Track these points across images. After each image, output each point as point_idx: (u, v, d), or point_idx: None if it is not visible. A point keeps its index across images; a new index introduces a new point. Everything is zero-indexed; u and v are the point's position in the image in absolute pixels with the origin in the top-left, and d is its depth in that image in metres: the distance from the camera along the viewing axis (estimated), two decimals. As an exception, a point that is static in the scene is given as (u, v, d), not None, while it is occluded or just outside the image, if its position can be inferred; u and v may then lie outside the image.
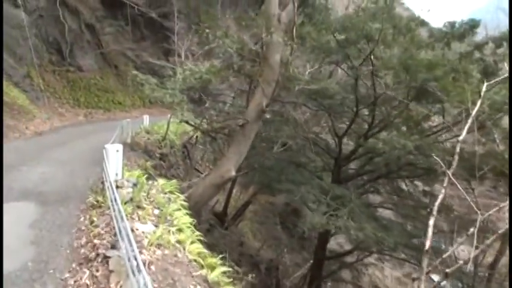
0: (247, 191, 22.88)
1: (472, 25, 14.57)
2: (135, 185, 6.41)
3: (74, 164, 9.70)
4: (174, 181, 7.62)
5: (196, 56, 20.09)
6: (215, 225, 18.11)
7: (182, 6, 27.70)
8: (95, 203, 6.06)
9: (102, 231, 4.99)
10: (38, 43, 23.36)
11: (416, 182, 18.25)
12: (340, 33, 12.28)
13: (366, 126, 16.76)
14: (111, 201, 5.48)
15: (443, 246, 17.07)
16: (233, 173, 10.16)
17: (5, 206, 6.15)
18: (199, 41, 28.79)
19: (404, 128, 15.44)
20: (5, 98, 15.53)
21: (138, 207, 5.68)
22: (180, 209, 6.30)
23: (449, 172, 8.38)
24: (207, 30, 11.15)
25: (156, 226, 5.12)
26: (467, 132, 14.71)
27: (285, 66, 10.45)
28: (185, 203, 7.03)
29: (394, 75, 13.55)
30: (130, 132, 13.00)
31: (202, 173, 21.17)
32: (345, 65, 14.54)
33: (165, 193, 6.89)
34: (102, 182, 7.14)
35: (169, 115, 21.50)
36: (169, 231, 5.09)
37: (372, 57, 12.63)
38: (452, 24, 14.63)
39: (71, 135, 15.50)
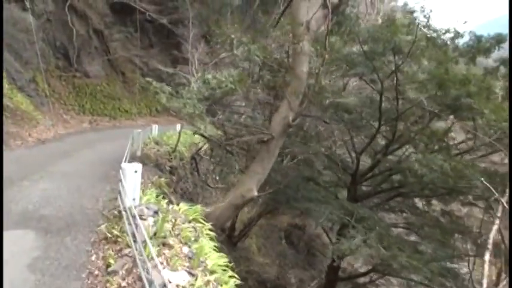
0: (255, 204, 21.65)
1: (499, 40, 13.60)
2: (156, 212, 5.24)
3: (80, 179, 8.51)
4: (198, 207, 6.43)
5: (209, 65, 19.06)
6: (223, 241, 16.90)
7: (193, 15, 26.70)
8: (109, 235, 4.86)
9: (124, 283, 3.78)
10: (45, 47, 22.27)
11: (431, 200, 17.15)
12: (368, 44, 11.25)
13: (382, 141, 15.75)
14: (131, 236, 4.31)
15: (463, 269, 15.89)
16: (255, 193, 9.01)
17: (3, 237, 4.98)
18: (211, 49, 27.85)
19: (422, 145, 14.42)
20: (8, 103, 14.37)
21: (164, 244, 4.51)
22: (211, 245, 5.13)
23: (504, 200, 7.26)
24: (232, 36, 10.04)
25: (190, 274, 3.94)
26: (495, 152, 13.74)
27: (315, 78, 9.35)
28: (212, 233, 5.88)
29: (420, 90, 12.51)
30: (141, 143, 11.82)
31: (210, 186, 20.02)
32: (366, 78, 13.47)
33: (189, 221, 5.72)
34: (116, 208, 5.97)
35: (178, 125, 20.38)
36: (208, 282, 3.90)
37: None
38: (478, 38, 13.65)
39: (75, 144, 14.31)
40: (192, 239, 5.02)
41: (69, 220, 5.78)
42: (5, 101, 14.25)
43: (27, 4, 20.72)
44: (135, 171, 5.31)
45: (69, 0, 22.57)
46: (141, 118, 25.57)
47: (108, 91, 23.94)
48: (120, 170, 5.48)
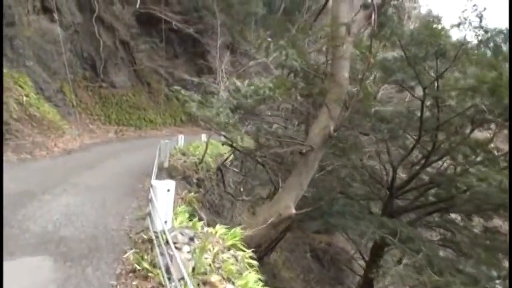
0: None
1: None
2: (191, 239, 4.36)
3: (105, 193, 7.73)
4: (237, 230, 5.50)
5: (235, 74, 18.35)
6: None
7: (217, 25, 26.18)
8: (138, 267, 4.00)
9: None
10: (73, 58, 22.06)
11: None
12: (410, 48, 10.24)
13: (416, 152, 14.57)
14: (165, 271, 3.43)
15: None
16: (293, 211, 8.06)
17: (16, 264, 4.19)
18: (235, 59, 27.25)
19: (461, 156, 13.21)
20: (35, 113, 13.90)
21: (205, 283, 3.61)
22: (255, 278, 4.22)
23: None
24: (269, 39, 9.21)
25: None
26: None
27: (359, 84, 8.38)
28: (254, 262, 4.97)
29: (463, 97, 11.39)
30: (169, 154, 11.04)
31: (235, 198, 19.12)
32: (405, 85, 12.39)
33: (228, 248, 4.82)
34: (144, 230, 5.12)
35: (203, 135, 19.63)
36: None
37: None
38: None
39: (101, 154, 13.69)
40: (235, 271, 4.12)
41: (91, 244, 4.95)
42: (32, 110, 13.81)
43: (56, 16, 20.58)
44: (168, 190, 4.46)
45: (96, 12, 22.39)
46: (165, 128, 25.03)
47: (133, 101, 23.52)
48: (151, 188, 4.62)
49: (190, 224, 5.14)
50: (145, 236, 4.80)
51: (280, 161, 10.05)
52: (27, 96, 13.81)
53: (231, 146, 10.89)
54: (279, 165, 10.01)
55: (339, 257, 26.40)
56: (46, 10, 20.61)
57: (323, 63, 9.27)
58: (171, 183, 4.54)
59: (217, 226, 5.43)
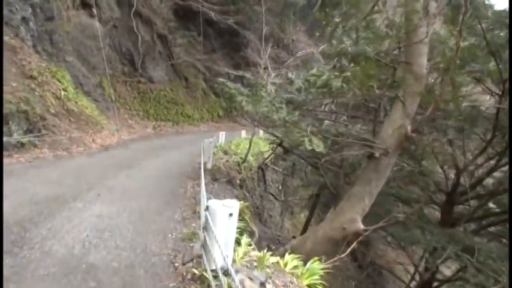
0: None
1: None
2: (263, 285, 3.02)
3: (143, 200, 6.53)
4: (316, 266, 4.08)
5: (276, 67, 16.91)
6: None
7: (256, 18, 24.73)
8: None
9: None
10: (111, 53, 21.34)
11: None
12: (493, 33, 8.39)
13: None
14: None
15: None
16: (361, 225, 6.58)
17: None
18: (274, 52, 25.73)
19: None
20: (73, 107, 13.05)
21: None
22: None
23: None
24: (337, 20, 7.68)
25: None
26: None
27: (441, 73, 6.74)
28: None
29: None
30: (212, 153, 9.76)
31: (276, 199, 17.78)
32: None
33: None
34: (194, 257, 3.81)
35: (243, 132, 18.35)
36: None
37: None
38: None
39: (139, 151, 12.66)
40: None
41: (127, 277, 3.68)
42: (70, 105, 12.96)
43: (95, 11, 19.86)
44: (230, 215, 3.11)
45: (134, 6, 21.52)
46: (203, 123, 23.99)
47: (171, 96, 22.57)
48: (207, 212, 3.26)
49: (253, 253, 3.80)
50: (196, 271, 3.48)
51: (339, 165, 8.52)
52: (65, 90, 12.97)
53: (281, 145, 9.48)
54: (337, 169, 8.50)
55: (379, 260, 24.57)
56: (85, 5, 19.94)
57: (393, 49, 7.63)
58: (233, 205, 3.17)
59: (287, 256, 4.05)
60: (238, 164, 11.87)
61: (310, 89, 8.04)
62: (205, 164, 9.12)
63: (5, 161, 8.72)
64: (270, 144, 12.72)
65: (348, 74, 6.16)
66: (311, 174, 13.28)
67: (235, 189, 8.96)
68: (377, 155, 6.44)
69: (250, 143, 12.04)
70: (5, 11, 13.29)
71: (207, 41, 25.50)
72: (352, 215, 6.67)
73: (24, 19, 14.45)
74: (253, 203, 13.84)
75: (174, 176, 8.69)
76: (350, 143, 7.39)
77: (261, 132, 20.91)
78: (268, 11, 26.14)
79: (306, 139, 5.72)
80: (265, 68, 16.57)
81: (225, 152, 12.28)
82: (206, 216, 3.23)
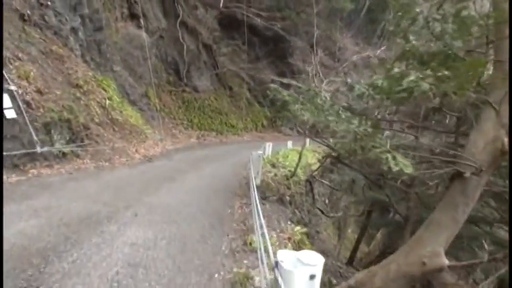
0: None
1: None
2: None
3: (185, 224, 5.52)
4: None
5: (333, 72, 15.69)
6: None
7: (302, 24, 23.63)
8: None
9: None
10: (157, 63, 21.10)
11: None
12: None
13: None
14: None
15: None
16: (444, 260, 5.15)
17: None
18: (320, 59, 24.48)
19: None
20: (117, 116, 12.56)
21: None
22: None
23: None
24: (418, 10, 6.37)
25: None
26: None
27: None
28: None
29: None
30: (261, 168, 8.65)
31: (326, 214, 16.36)
32: None
33: None
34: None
35: (289, 142, 17.19)
36: None
37: None
38: None
39: (183, 162, 11.86)
40: None
41: None
42: (114, 114, 12.47)
43: (142, 22, 19.71)
44: (312, 277, 1.96)
45: (180, 17, 21.20)
46: (246, 133, 23.09)
47: (215, 106, 21.92)
48: (277, 270, 2.13)
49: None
50: None
51: (409, 183, 7.09)
52: (110, 99, 12.51)
53: (338, 158, 8.19)
54: (406, 188, 7.07)
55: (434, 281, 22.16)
56: (133, 16, 19.86)
57: (480, 46, 6.18)
58: (316, 262, 2.01)
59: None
60: (287, 178, 10.71)
61: (376, 95, 6.75)
62: (254, 179, 8.04)
63: (45, 171, 8.17)
64: (323, 157, 11.45)
65: (444, 73, 4.82)
66: (368, 191, 11.80)
67: (287, 208, 7.78)
68: (467, 174, 5.01)
69: (300, 156, 10.86)
70: (55, 21, 13.15)
71: (252, 49, 24.75)
72: (433, 247, 5.25)
73: (73, 29, 14.31)
74: (299, 216, 12.60)
75: (219, 192, 7.68)
76: (431, 159, 5.98)
77: (307, 142, 19.67)
78: (313, 17, 25.01)
79: (389, 156, 4.44)
80: (316, 75, 15.39)
81: (273, 165, 11.18)
82: (275, 277, 2.08)
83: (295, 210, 9.01)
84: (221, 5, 20.49)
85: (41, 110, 8.76)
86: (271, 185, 8.64)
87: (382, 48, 17.08)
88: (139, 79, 19.49)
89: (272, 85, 7.50)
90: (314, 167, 15.34)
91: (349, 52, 27.81)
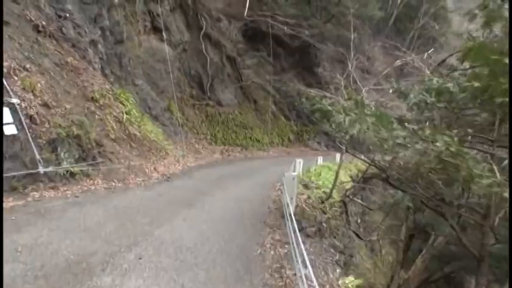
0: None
1: None
2: None
3: (202, 273, 4.13)
4: None
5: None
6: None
7: (330, 33, 22.22)
8: None
9: None
10: (180, 76, 20.20)
11: None
12: None
13: None
14: None
15: None
16: None
17: None
18: (344, 71, 22.91)
19: None
20: (135, 132, 11.47)
21: None
22: None
23: None
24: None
25: None
26: None
27: None
28: None
29: None
30: (296, 190, 7.14)
31: (361, 238, 14.60)
32: None
33: None
34: None
35: (319, 158, 15.64)
36: None
37: None
38: None
39: (204, 181, 10.56)
40: None
41: None
42: (132, 129, 11.38)
43: (165, 35, 18.93)
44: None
45: (203, 29, 20.29)
46: (272, 148, 21.67)
47: (240, 120, 20.70)
48: None
49: None
50: None
51: (484, 213, 5.35)
52: (128, 113, 11.45)
53: (386, 180, 6.65)
54: (481, 220, 5.37)
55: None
56: (156, 29, 19.10)
57: None
58: None
59: None
60: (322, 201, 9.19)
61: (439, 103, 5.25)
62: (287, 205, 6.59)
63: (48, 194, 7.04)
64: (357, 175, 9.94)
65: None
66: (419, 215, 10.12)
67: (330, 246, 6.26)
68: None
69: (337, 175, 9.34)
70: (73, 34, 12.38)
71: (277, 61, 23.54)
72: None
73: (92, 41, 13.53)
74: (332, 242, 10.98)
75: (246, 221, 6.27)
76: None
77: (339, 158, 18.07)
78: (341, 26, 23.56)
79: (497, 189, 2.92)
80: (351, 84, 13.93)
81: (306, 185, 9.70)
82: None
83: (334, 240, 7.45)
84: (245, 14, 19.40)
85: (46, 125, 7.70)
86: (306, 211, 7.17)
87: (423, 55, 15.41)
88: (161, 93, 18.60)
89: (312, 92, 6.10)
90: (347, 185, 13.78)
91: (378, 62, 26.16)
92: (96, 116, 10.15)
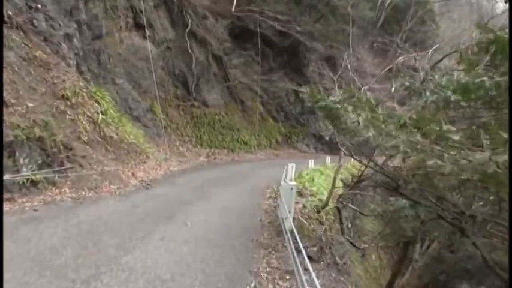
0: None
1: None
2: None
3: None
4: None
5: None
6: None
7: (319, 34, 21.36)
8: None
9: None
10: (164, 76, 19.00)
11: None
12: None
13: None
14: None
15: None
16: None
17: None
18: (335, 72, 22.13)
19: None
20: (112, 134, 10.29)
21: None
22: None
23: None
24: None
25: None
26: None
27: None
28: None
29: None
30: (294, 201, 6.04)
31: (356, 246, 13.71)
32: None
33: None
34: None
35: (310, 161, 14.63)
36: None
37: None
38: None
39: (187, 188, 9.46)
40: None
41: None
42: (108, 131, 10.19)
43: (148, 32, 17.74)
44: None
45: (189, 27, 19.16)
46: (260, 151, 20.66)
47: (226, 121, 19.61)
48: None
49: None
50: None
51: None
52: (104, 113, 10.27)
53: (396, 189, 5.74)
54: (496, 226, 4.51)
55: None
56: (139, 26, 17.84)
57: None
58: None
59: None
60: (318, 210, 8.22)
61: (465, 100, 4.35)
62: (282, 220, 5.56)
63: (4, 207, 5.84)
64: (352, 180, 9.02)
65: None
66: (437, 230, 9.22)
67: (340, 274, 5.26)
68: None
69: (334, 182, 8.39)
70: (45, 26, 11.14)
71: (265, 61, 22.55)
72: None
73: (67, 36, 12.31)
74: (329, 258, 10.01)
75: (234, 240, 5.23)
76: None
77: (328, 160, 17.24)
78: (326, 28, 22.76)
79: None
80: (340, 84, 13.09)
81: (300, 193, 8.70)
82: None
83: (336, 258, 6.47)
84: (233, 9, 18.34)
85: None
86: (304, 225, 6.18)
87: (416, 55, 14.68)
88: (144, 93, 17.37)
89: (320, 91, 5.13)
90: (339, 190, 12.89)
91: (367, 64, 25.51)
92: (67, 116, 8.96)
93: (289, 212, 5.22)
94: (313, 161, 13.84)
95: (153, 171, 11.10)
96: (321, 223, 7.72)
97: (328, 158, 17.06)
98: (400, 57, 13.26)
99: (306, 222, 6.34)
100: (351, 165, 19.36)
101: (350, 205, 12.29)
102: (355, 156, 6.85)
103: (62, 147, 7.95)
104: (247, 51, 22.02)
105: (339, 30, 22.69)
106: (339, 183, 13.57)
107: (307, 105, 24.33)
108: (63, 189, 7.39)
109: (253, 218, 6.68)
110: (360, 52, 25.24)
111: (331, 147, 25.89)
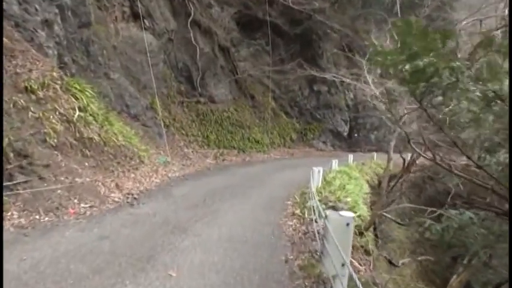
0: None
1: None
2: None
3: None
4: None
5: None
6: None
7: (330, 25, 18.80)
8: None
9: None
10: (166, 70, 16.72)
11: None
12: None
13: None
14: None
15: None
16: None
17: None
18: (350, 63, 19.53)
19: None
20: (93, 135, 8.04)
21: None
22: None
23: None
24: None
25: None
26: None
27: None
28: None
29: None
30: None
31: (395, 265, 11.22)
32: None
33: None
34: None
35: (334, 161, 12.09)
36: None
37: None
38: None
39: (187, 204, 7.10)
40: None
41: None
42: (88, 131, 7.94)
43: (147, 22, 15.48)
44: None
45: (192, 16, 16.84)
46: (273, 150, 18.22)
47: (235, 118, 17.24)
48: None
49: None
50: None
51: None
52: (82, 110, 8.02)
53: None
54: None
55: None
56: (136, 16, 15.54)
57: None
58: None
59: None
60: (360, 232, 5.81)
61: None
62: (330, 278, 3.16)
63: None
64: (393, 185, 6.60)
65: None
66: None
67: None
68: None
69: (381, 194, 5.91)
70: (17, 10, 9.00)
71: (276, 51, 20.09)
72: None
73: (46, 22, 10.11)
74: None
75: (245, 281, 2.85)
76: None
77: (351, 159, 14.78)
78: (341, 17, 20.15)
79: None
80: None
81: (334, 208, 6.26)
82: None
83: None
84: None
85: None
86: (360, 272, 3.78)
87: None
88: (143, 89, 15.12)
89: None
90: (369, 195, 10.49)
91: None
92: (30, 114, 6.73)
93: (343, 265, 2.82)
94: (337, 161, 11.37)
95: (146, 180, 8.83)
96: (368, 253, 5.33)
97: (350, 157, 14.59)
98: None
99: (361, 266, 3.95)
100: (375, 164, 16.83)
101: (387, 215, 9.84)
102: (424, 154, 4.43)
103: (12, 155, 5.71)
104: (257, 41, 19.60)
105: (355, 16, 20.09)
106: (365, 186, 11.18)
107: (323, 98, 21.91)
108: (9, 213, 5.15)
109: (274, 254, 4.31)
110: (379, 39, 22.58)
111: (350, 144, 23.39)
